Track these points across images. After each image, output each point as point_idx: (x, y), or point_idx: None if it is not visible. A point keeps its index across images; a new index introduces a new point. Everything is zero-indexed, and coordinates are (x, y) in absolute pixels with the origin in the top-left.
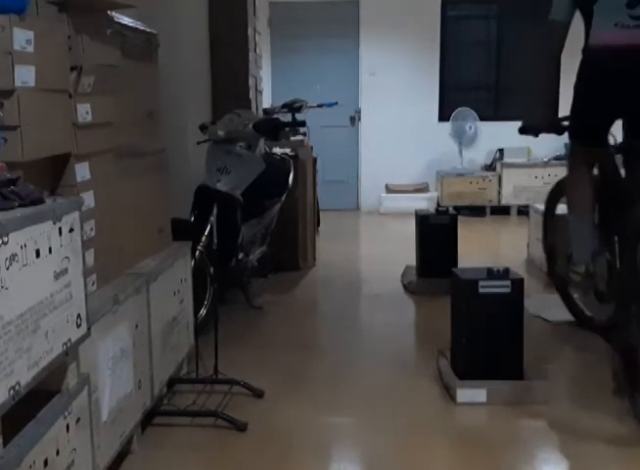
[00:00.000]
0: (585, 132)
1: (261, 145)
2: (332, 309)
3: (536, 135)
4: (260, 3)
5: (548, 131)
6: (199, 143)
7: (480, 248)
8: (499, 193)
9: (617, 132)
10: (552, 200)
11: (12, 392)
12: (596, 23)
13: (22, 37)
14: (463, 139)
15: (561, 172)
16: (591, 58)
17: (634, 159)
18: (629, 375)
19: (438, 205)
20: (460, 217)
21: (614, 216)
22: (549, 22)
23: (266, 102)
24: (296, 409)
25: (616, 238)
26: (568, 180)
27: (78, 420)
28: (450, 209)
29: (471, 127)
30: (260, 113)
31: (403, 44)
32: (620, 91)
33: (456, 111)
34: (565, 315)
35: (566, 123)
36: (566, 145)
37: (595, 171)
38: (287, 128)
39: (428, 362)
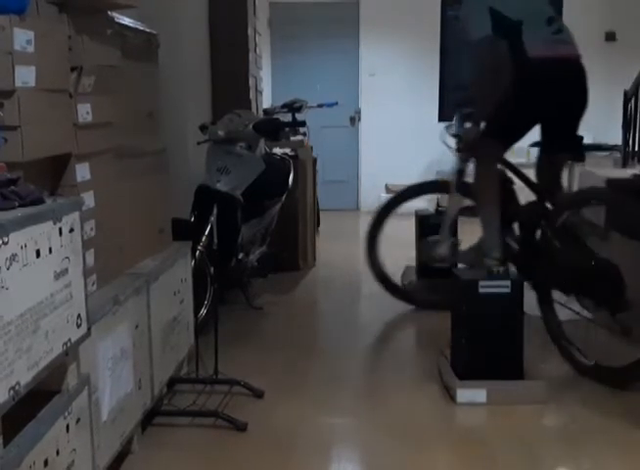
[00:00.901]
0: (507, 132)
1: (261, 145)
2: (332, 309)
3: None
4: (260, 3)
5: None
6: (199, 143)
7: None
8: None
9: None
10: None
11: (12, 392)
12: (527, 40)
13: (22, 37)
14: None
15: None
16: (531, 67)
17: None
18: (553, 335)
19: (438, 205)
20: (460, 217)
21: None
22: (479, 40)
23: (266, 102)
24: (296, 409)
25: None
26: (480, 178)
27: (78, 420)
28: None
29: None
30: (260, 113)
31: (403, 44)
32: (550, 94)
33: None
34: (570, 313)
35: None
36: None
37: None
38: (287, 128)
39: (428, 362)
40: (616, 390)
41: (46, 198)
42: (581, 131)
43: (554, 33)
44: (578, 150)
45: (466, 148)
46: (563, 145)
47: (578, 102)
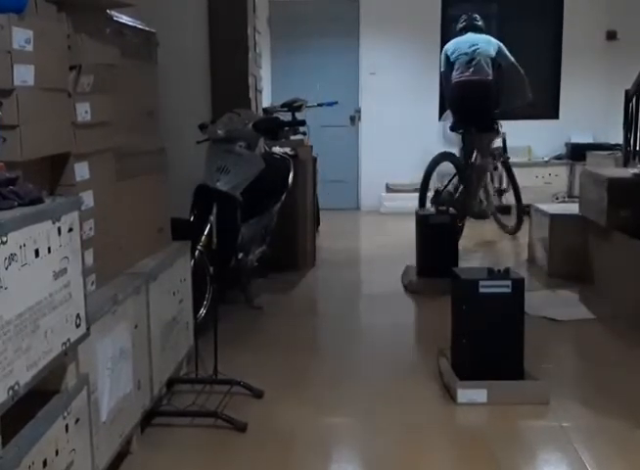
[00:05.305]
0: (457, 124)
1: (261, 144)
2: (332, 309)
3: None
4: (260, 2)
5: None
6: (199, 142)
7: (480, 247)
8: None
9: None
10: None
11: (11, 392)
12: (455, 71)
13: (21, 36)
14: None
15: (560, 172)
16: (456, 85)
17: (465, 136)
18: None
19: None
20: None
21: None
22: (441, 72)
23: (266, 101)
24: (295, 409)
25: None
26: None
27: (77, 420)
28: (450, 208)
29: None
30: (260, 112)
31: (404, 43)
32: (467, 102)
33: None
34: (571, 313)
35: None
36: (566, 145)
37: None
38: (286, 128)
39: (428, 362)
40: (615, 389)
41: (45, 197)
42: (580, 131)
43: (471, 67)
44: (484, 127)
45: None
46: (474, 124)
47: (480, 103)
